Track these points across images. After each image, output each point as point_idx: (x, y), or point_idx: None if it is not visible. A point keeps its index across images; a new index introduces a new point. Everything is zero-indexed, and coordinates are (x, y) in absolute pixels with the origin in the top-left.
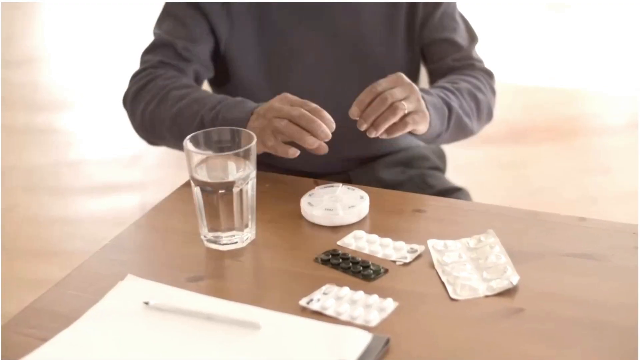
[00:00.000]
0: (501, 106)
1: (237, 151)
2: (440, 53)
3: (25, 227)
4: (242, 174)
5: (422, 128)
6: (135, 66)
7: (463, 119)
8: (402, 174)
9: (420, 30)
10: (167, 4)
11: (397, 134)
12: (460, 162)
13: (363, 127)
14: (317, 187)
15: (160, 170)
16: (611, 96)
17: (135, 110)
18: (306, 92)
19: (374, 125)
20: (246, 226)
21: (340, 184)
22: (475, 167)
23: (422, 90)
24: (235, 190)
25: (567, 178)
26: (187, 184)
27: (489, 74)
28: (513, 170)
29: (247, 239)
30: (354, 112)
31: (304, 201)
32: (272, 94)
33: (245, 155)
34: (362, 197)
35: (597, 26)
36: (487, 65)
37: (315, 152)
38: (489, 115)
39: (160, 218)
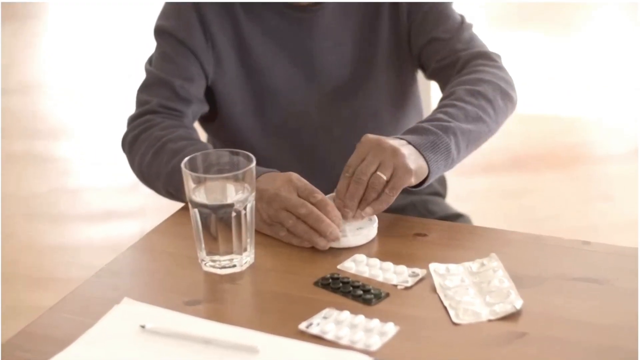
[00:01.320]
0: (502, 134)
1: (235, 173)
2: (426, 59)
3: (23, 254)
4: (241, 197)
5: (412, 180)
6: (132, 96)
7: (474, 131)
8: (402, 200)
9: (408, 42)
10: (157, 41)
11: (384, 208)
12: (461, 190)
13: (350, 216)
14: None
15: (160, 198)
16: (612, 124)
17: (132, 159)
18: (292, 128)
19: (361, 209)
20: (245, 250)
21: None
22: (476, 195)
23: (415, 129)
24: (234, 212)
25: (568, 206)
26: (185, 208)
27: (483, 55)
28: (514, 199)
29: (245, 262)
30: (339, 205)
31: None
32: (258, 130)
33: (244, 178)
34: (370, 220)
35: (597, 54)
36: (483, 45)
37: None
38: (507, 99)
39: (158, 241)
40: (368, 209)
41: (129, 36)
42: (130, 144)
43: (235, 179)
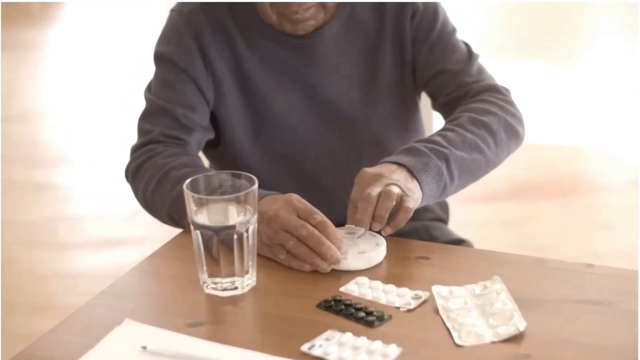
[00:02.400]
0: (503, 163)
1: (237, 195)
2: (434, 91)
3: (22, 281)
4: (243, 219)
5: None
6: (132, 123)
7: (468, 160)
8: (404, 226)
9: (414, 71)
10: (157, 67)
11: (404, 223)
12: (462, 218)
13: (362, 228)
14: (340, 229)
15: (160, 226)
16: (612, 153)
17: (136, 188)
18: (293, 154)
19: (375, 218)
20: (247, 272)
21: (363, 229)
22: (478, 224)
23: (409, 150)
24: (236, 235)
25: (569, 235)
26: (186, 231)
27: (493, 89)
28: (516, 227)
29: (247, 285)
30: (353, 223)
31: None
32: (259, 157)
33: (246, 200)
34: (377, 244)
35: (598, 83)
36: (491, 78)
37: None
38: (512, 133)
39: (159, 264)
40: (385, 220)
41: (128, 65)
42: (134, 173)
43: (237, 201)
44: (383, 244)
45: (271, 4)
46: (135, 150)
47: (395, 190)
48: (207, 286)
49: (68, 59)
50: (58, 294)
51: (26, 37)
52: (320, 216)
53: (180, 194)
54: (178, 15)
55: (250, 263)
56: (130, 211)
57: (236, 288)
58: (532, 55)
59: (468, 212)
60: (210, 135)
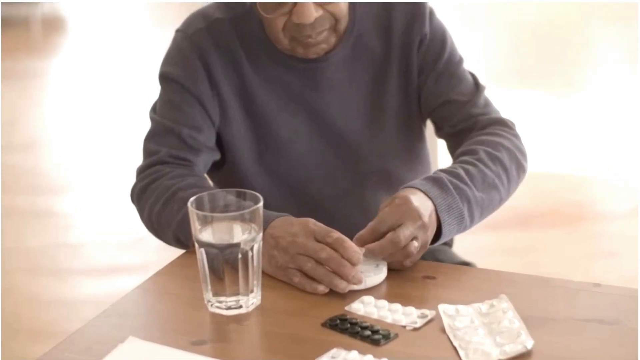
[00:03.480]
0: None
1: (242, 212)
2: (439, 120)
3: (23, 307)
4: (248, 237)
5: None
6: (136, 151)
7: (486, 198)
8: None
9: (419, 100)
10: (163, 87)
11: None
12: (467, 247)
13: (363, 248)
14: None
15: (162, 253)
16: (616, 182)
17: (142, 209)
18: (297, 179)
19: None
20: (251, 291)
21: (364, 249)
22: (482, 252)
23: (436, 182)
24: (240, 253)
25: (574, 263)
26: (191, 250)
27: (500, 122)
28: (520, 256)
29: (252, 304)
30: (365, 244)
31: None
32: (264, 180)
33: (251, 218)
34: (377, 266)
35: (599, 113)
36: (497, 111)
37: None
38: (520, 169)
39: (163, 283)
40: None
41: (129, 93)
42: (139, 195)
43: (242, 219)
44: (384, 266)
45: (283, 28)
46: (141, 171)
47: (414, 248)
48: (211, 305)
49: (70, 88)
50: (59, 321)
51: (28, 67)
52: (336, 234)
53: (187, 216)
54: (183, 36)
55: (255, 282)
56: (132, 238)
57: (241, 307)
58: (535, 85)
59: (472, 240)
60: (217, 156)
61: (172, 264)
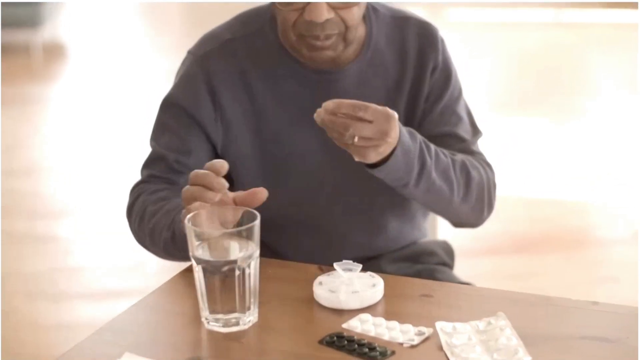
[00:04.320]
0: (506, 218)
1: (239, 229)
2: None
3: (23, 332)
4: (245, 254)
5: (372, 156)
6: (135, 176)
7: (437, 184)
8: (408, 269)
9: (419, 126)
10: (162, 110)
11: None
12: (466, 272)
13: (360, 265)
14: (336, 265)
15: (162, 277)
16: (615, 208)
17: (131, 228)
18: (307, 195)
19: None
20: (248, 309)
21: (360, 266)
22: (482, 277)
23: (409, 132)
24: (237, 270)
25: (573, 288)
26: (189, 268)
27: (489, 166)
28: (520, 281)
29: (249, 321)
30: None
31: (318, 279)
32: (273, 197)
33: (248, 235)
34: (374, 285)
35: (600, 140)
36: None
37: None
38: (482, 201)
39: (161, 300)
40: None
41: (129, 120)
42: (127, 213)
43: (239, 236)
44: (380, 284)
45: (294, 24)
46: (131, 190)
47: (352, 136)
48: (208, 322)
49: (69, 114)
50: (59, 345)
51: (29, 92)
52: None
53: (153, 229)
54: (192, 58)
55: (252, 299)
56: (131, 263)
57: (237, 324)
58: (536, 112)
59: (472, 265)
60: None
61: (169, 282)
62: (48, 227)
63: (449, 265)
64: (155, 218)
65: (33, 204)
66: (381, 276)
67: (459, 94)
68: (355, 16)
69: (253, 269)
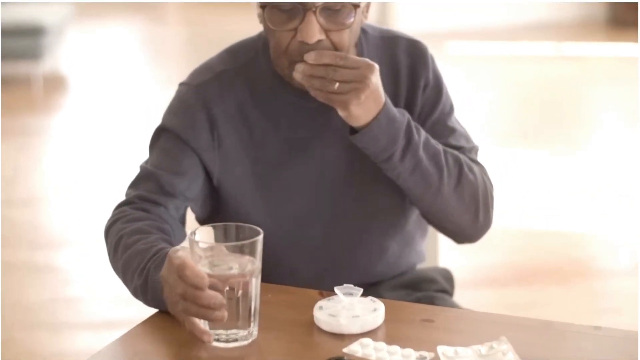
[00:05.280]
0: (507, 249)
1: (242, 243)
2: None
3: None
4: (248, 269)
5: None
6: None
7: (424, 164)
8: (408, 297)
9: None
10: (153, 140)
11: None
12: (468, 303)
13: (361, 289)
14: (337, 289)
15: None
16: (616, 240)
17: (107, 248)
18: (303, 224)
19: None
20: (249, 325)
21: (361, 290)
22: (483, 308)
23: (399, 110)
24: (238, 285)
25: (576, 320)
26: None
27: (487, 175)
28: (521, 312)
29: (250, 336)
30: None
31: (319, 304)
32: (270, 226)
33: (251, 251)
34: (375, 310)
35: (601, 172)
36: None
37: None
38: (477, 202)
39: (159, 324)
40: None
41: (128, 151)
42: (105, 236)
43: (241, 251)
44: (381, 309)
45: (286, 48)
46: (113, 210)
47: (333, 82)
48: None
49: (69, 145)
50: None
51: (29, 124)
52: (181, 264)
53: (125, 266)
54: (187, 89)
55: (252, 317)
56: (129, 293)
57: (236, 340)
58: (536, 144)
59: (473, 296)
60: (201, 209)
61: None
62: (47, 257)
63: (449, 292)
64: (127, 254)
65: (32, 234)
66: (382, 301)
67: (450, 110)
68: (346, 41)
69: (254, 284)
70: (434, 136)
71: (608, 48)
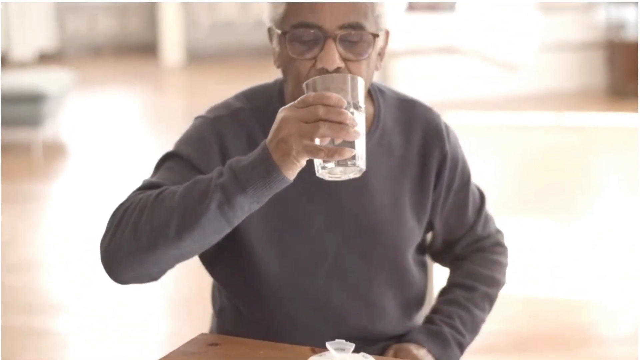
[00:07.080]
0: (506, 316)
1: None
2: (448, 239)
3: None
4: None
5: None
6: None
7: (473, 336)
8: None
9: (432, 210)
10: (162, 161)
11: None
12: None
13: (353, 345)
14: (329, 344)
15: None
16: (616, 307)
17: (122, 233)
18: (312, 261)
19: None
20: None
21: (353, 345)
22: None
23: (437, 335)
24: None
25: None
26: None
27: (500, 244)
28: None
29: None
30: None
31: (314, 358)
32: (278, 262)
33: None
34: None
35: (602, 239)
36: (493, 223)
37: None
38: (502, 286)
39: None
40: None
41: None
42: (114, 228)
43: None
44: None
45: (305, 79)
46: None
47: None
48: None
49: (69, 211)
50: None
51: (29, 190)
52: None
53: (185, 193)
54: (203, 121)
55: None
56: (127, 356)
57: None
58: (537, 213)
59: None
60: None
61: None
62: (45, 322)
63: None
64: (181, 191)
65: (30, 299)
66: (374, 357)
67: (467, 180)
68: (363, 74)
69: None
70: (457, 204)
71: (608, 118)
